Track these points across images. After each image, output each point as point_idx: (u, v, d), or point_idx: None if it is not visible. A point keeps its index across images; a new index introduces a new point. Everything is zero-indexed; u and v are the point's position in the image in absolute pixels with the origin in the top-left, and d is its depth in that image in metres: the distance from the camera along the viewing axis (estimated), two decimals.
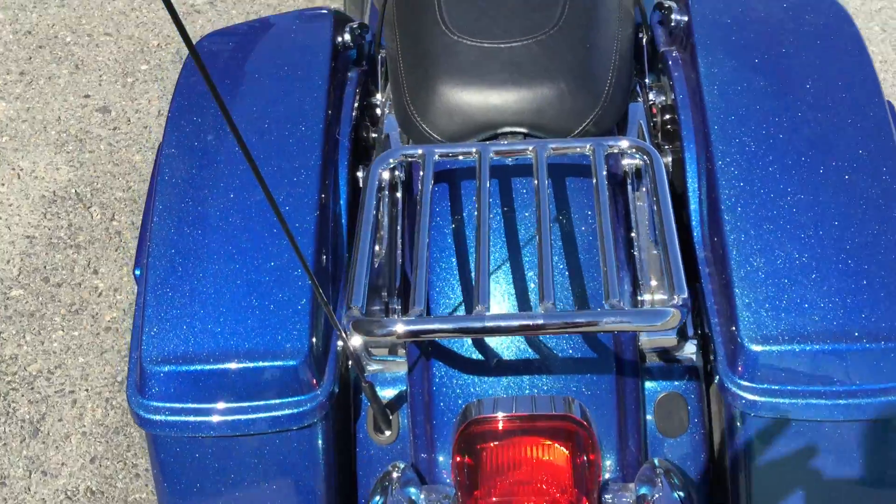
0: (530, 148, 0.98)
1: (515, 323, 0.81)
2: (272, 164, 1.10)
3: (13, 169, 2.12)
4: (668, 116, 1.19)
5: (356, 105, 1.25)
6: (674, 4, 1.26)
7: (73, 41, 2.48)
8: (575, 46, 1.06)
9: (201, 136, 1.15)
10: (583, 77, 1.05)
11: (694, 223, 1.08)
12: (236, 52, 1.27)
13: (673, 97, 1.19)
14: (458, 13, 1.10)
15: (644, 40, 1.30)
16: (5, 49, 2.45)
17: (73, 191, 2.07)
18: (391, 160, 1.00)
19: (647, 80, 1.28)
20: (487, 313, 0.82)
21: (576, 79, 1.04)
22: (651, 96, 1.26)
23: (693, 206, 1.08)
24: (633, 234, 1.07)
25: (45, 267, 1.91)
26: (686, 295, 0.83)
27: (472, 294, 0.88)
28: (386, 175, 1.03)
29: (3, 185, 2.08)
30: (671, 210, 0.92)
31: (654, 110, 1.24)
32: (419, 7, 1.14)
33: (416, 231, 0.93)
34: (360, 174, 1.14)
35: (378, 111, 1.31)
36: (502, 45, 1.06)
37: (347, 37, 1.28)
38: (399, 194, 1.09)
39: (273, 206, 0.72)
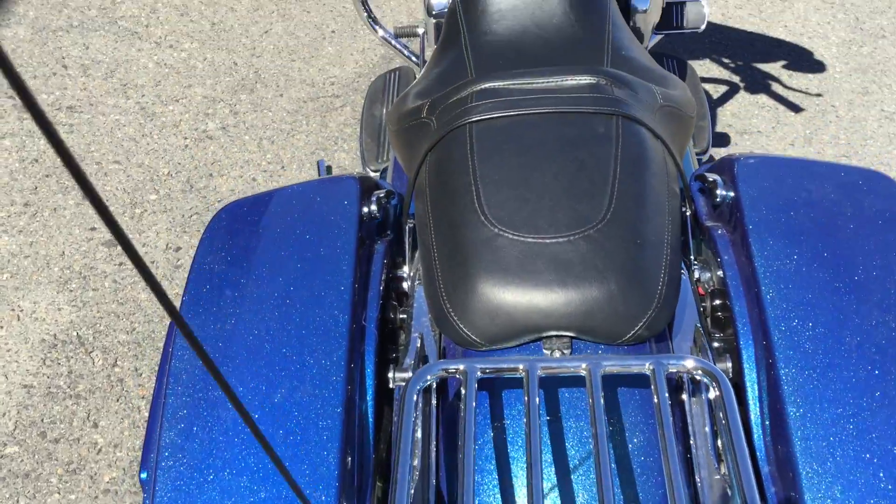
0: (583, 366, 0.89)
1: None
2: (296, 357, 1.01)
3: (13, 310, 2.03)
4: (718, 302, 1.11)
5: (383, 278, 1.17)
6: (718, 178, 1.19)
7: None
8: (625, 242, 0.98)
9: (217, 326, 1.06)
10: (634, 277, 0.97)
11: (755, 431, 0.98)
12: (256, 226, 1.20)
13: (722, 276, 1.11)
14: (497, 202, 1.02)
15: (687, 213, 1.23)
16: (11, 179, 2.40)
17: (75, 333, 1.98)
18: (429, 377, 0.91)
19: (692, 257, 1.21)
20: None
21: (627, 279, 0.96)
22: (696, 272, 1.18)
23: (754, 413, 0.99)
24: (690, 442, 0.98)
25: (42, 420, 1.81)
26: None
27: None
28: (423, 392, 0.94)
29: (1, 327, 1.99)
30: (747, 454, 0.83)
31: (702, 291, 1.16)
32: (454, 190, 1.07)
33: (460, 464, 0.83)
34: (389, 374, 1.05)
35: (405, 285, 1.22)
36: (548, 241, 0.98)
37: (374, 207, 1.20)
38: (434, 401, 1.00)
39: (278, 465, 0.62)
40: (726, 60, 3.10)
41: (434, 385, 1.00)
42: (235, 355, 1.03)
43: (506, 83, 1.16)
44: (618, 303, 0.95)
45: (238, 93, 2.77)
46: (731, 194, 1.15)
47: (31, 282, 2.10)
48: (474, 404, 0.88)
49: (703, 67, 3.05)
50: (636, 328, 0.96)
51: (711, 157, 2.73)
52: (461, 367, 0.90)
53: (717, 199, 1.17)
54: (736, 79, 3.01)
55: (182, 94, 2.74)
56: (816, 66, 3.07)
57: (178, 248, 2.22)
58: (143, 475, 1.08)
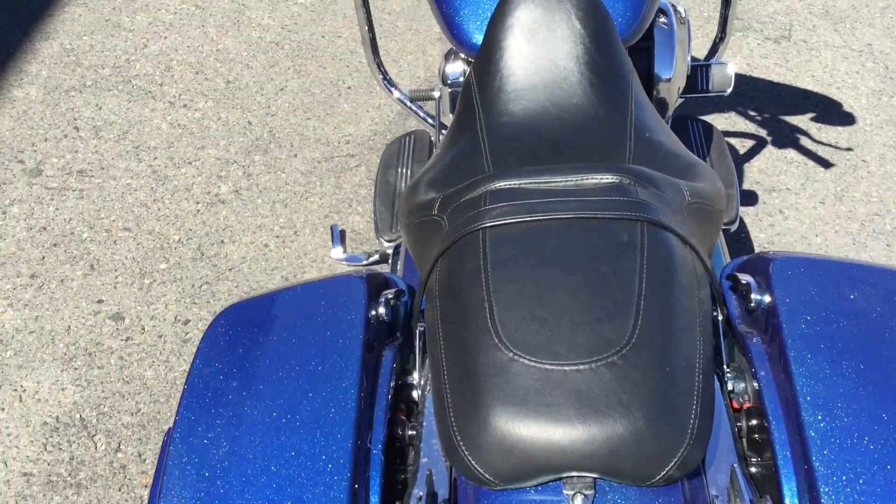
0: None
1: None
2: (294, 489, 0.93)
3: (15, 390, 1.97)
4: (754, 422, 1.02)
5: (392, 387, 1.08)
6: (752, 281, 1.10)
7: (89, 237, 2.38)
8: (653, 370, 0.89)
9: (213, 449, 0.98)
10: (664, 411, 0.87)
11: None
12: (256, 333, 1.12)
13: (758, 390, 1.01)
14: (512, 322, 0.93)
15: (719, 318, 1.13)
16: (18, 248, 2.35)
17: (78, 415, 1.91)
18: None
19: (724, 368, 1.11)
20: None
21: (656, 414, 0.87)
22: (729, 382, 1.09)
23: None
24: None
25: None
26: None
27: None
28: None
29: (2, 409, 1.92)
30: None
31: (735, 404, 1.07)
32: (466, 306, 0.98)
33: None
34: None
35: (416, 393, 1.14)
36: (567, 368, 0.89)
37: (382, 309, 1.12)
38: None
39: None
40: (752, 113, 3.02)
41: None
42: (230, 485, 0.95)
43: (522, 182, 1.08)
44: (646, 441, 0.86)
45: (252, 154, 2.71)
46: (767, 299, 1.06)
47: (35, 359, 2.04)
48: None
49: (729, 121, 2.97)
50: (667, 469, 0.86)
51: (741, 221, 2.63)
52: None
53: (752, 304, 1.08)
54: (763, 133, 2.92)
55: (195, 155, 2.69)
56: (846, 119, 2.97)
57: (188, 321, 2.15)
58: None
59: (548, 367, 0.89)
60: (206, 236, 2.39)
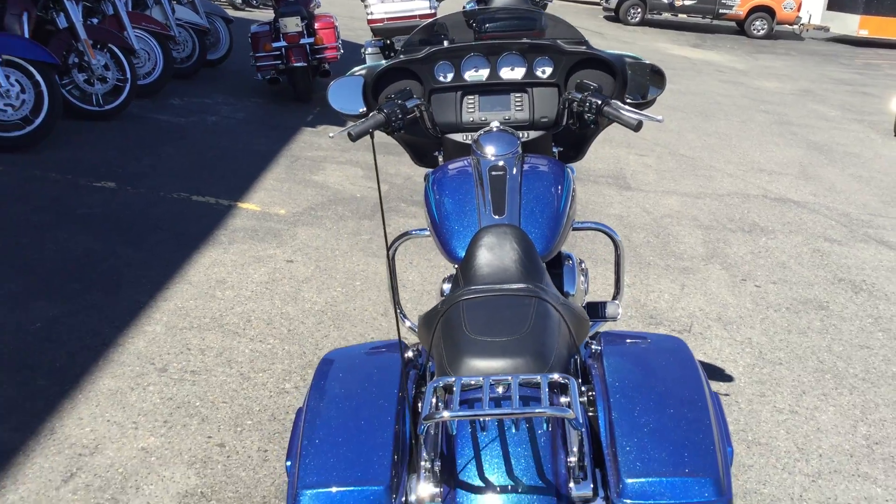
0: None
1: None
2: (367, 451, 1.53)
3: None
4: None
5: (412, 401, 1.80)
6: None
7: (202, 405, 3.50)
8: (534, 341, 1.68)
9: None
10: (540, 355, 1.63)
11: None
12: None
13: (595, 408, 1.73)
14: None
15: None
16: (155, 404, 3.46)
17: None
18: None
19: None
20: None
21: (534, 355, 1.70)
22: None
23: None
24: None
25: None
26: None
27: None
28: None
29: None
30: None
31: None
32: None
33: None
34: None
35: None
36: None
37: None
38: None
39: None
40: None
41: None
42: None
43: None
44: (529, 366, 1.67)
45: (306, 369, 3.92)
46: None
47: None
48: None
49: None
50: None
51: None
52: None
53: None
54: None
55: (269, 367, 3.91)
56: (726, 378, 4.16)
57: None
58: (288, 463, 1.56)
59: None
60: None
